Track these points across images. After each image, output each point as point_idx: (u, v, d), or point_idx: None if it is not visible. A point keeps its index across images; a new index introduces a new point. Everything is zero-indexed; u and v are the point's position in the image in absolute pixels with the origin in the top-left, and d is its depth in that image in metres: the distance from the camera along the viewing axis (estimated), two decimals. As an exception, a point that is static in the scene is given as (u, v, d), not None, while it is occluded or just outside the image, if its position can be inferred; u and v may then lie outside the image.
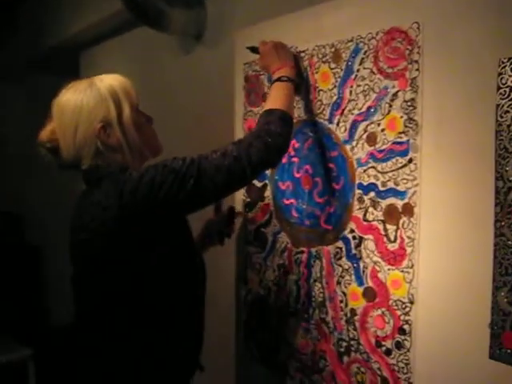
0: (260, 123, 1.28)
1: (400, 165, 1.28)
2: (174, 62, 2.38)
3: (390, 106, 1.29)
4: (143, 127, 1.29)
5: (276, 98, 1.34)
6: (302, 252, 1.58)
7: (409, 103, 1.25)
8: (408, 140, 1.26)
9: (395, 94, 1.28)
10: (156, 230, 1.18)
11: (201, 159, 1.16)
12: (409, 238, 1.26)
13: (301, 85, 1.52)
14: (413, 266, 1.26)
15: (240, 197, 1.83)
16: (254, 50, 1.59)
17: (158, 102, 2.33)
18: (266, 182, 1.71)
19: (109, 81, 1.25)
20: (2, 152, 3.96)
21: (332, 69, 1.45)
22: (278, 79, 1.39)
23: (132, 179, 1.14)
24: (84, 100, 1.21)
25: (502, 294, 1.09)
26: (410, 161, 1.25)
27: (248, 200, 1.80)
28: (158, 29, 2.17)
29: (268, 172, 1.69)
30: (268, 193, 1.71)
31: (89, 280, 1.23)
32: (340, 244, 1.45)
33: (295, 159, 1.58)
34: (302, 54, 1.54)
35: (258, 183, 1.74)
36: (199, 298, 1.36)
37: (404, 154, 1.26)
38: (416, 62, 1.23)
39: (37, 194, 4.04)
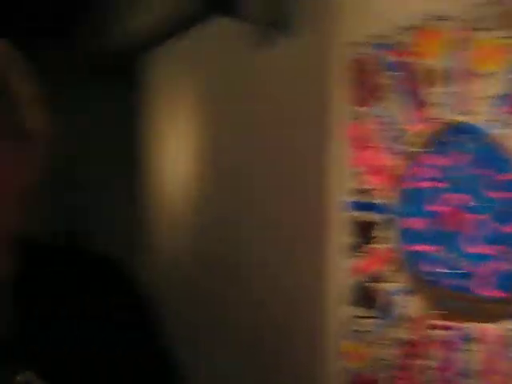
0: None
1: None
2: (253, 59, 1.96)
3: None
4: None
5: None
6: (446, 328, 1.05)
7: None
8: None
9: None
10: None
11: None
12: None
13: None
14: None
15: (340, 237, 1.32)
16: None
17: (233, 106, 2.00)
18: (387, 215, 1.20)
19: None
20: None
21: (502, 39, 0.94)
22: None
23: None
24: None
25: None
26: None
27: (352, 241, 1.29)
28: (238, 18, 1.78)
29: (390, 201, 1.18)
30: (389, 232, 1.19)
31: None
32: (519, 324, 0.91)
33: (440, 184, 1.07)
34: (442, 21, 1.04)
35: (372, 217, 1.23)
36: None
37: None
38: None
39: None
